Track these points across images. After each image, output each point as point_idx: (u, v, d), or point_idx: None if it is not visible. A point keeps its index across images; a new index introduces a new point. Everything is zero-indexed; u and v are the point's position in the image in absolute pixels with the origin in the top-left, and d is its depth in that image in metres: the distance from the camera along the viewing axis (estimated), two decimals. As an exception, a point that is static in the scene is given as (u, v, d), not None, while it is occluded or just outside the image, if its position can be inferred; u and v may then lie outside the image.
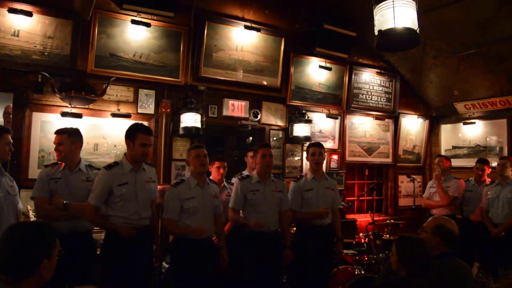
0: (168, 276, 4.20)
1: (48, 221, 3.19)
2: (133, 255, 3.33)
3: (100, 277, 3.32)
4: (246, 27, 5.62)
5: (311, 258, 4.25)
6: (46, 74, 4.44)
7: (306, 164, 6.16)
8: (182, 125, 5.14)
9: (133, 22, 4.87)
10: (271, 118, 6.12)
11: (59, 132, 3.63)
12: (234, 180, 4.44)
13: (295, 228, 4.58)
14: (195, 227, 3.61)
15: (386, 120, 7.36)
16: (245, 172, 4.80)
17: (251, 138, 5.97)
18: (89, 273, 3.49)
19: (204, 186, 3.75)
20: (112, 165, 3.47)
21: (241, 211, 4.13)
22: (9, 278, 1.78)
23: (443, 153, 7.40)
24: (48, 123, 4.56)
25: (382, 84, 7.17)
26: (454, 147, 7.48)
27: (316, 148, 4.46)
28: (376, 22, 3.16)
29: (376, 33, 3.14)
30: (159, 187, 4.73)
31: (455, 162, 6.97)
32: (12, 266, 1.79)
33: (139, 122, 3.76)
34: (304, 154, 5.81)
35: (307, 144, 5.59)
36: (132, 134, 3.45)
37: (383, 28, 3.05)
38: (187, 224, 3.64)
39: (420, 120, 7.69)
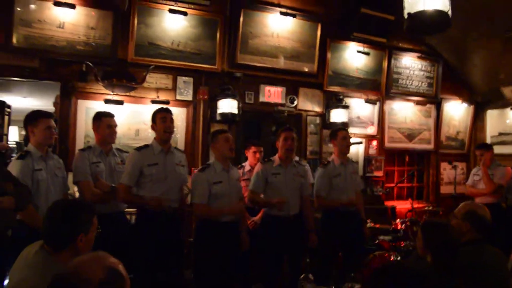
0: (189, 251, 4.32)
1: (94, 203, 3.36)
2: (162, 234, 3.47)
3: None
4: (281, 13, 5.62)
5: (341, 242, 4.27)
6: (90, 64, 4.66)
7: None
8: (219, 111, 5.25)
9: (171, 11, 5.03)
10: (307, 104, 6.12)
11: (112, 115, 3.84)
12: None
13: (321, 214, 4.58)
14: (231, 207, 3.69)
15: (428, 105, 7.16)
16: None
17: (287, 126, 6.01)
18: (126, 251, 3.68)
19: (229, 170, 3.81)
20: (142, 147, 3.66)
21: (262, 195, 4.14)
22: (51, 249, 1.98)
23: (488, 140, 7.14)
24: (92, 110, 4.72)
25: (423, 68, 6.98)
26: (500, 134, 7.18)
27: (345, 132, 4.52)
28: (405, 5, 3.12)
29: (405, 16, 3.10)
30: (196, 171, 4.91)
31: (502, 149, 6.72)
32: (53, 237, 1.99)
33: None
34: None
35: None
36: (153, 116, 3.71)
37: (413, 10, 3.01)
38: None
39: (464, 105, 7.42)
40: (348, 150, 4.50)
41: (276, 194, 4.03)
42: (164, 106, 4.56)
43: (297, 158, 4.34)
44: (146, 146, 3.68)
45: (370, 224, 5.22)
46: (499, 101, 7.13)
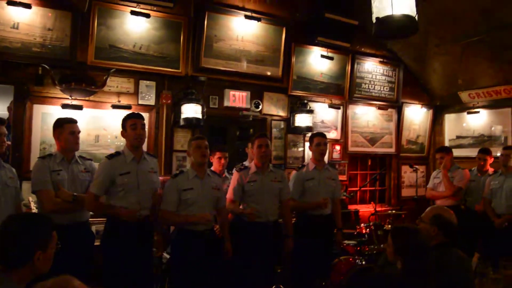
0: (169, 267, 4.23)
1: (54, 214, 3.19)
2: (132, 244, 3.37)
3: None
4: (246, 16, 5.56)
5: (310, 248, 4.27)
6: (46, 66, 4.45)
7: (308, 154, 6.14)
8: (183, 116, 5.14)
9: (133, 13, 4.86)
10: (272, 108, 6.10)
11: (75, 121, 3.65)
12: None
13: (294, 219, 4.59)
14: (196, 215, 3.61)
15: (389, 109, 7.30)
16: (246, 163, 4.80)
17: (251, 130, 5.96)
18: (91, 262, 3.52)
19: (204, 178, 3.73)
20: (114, 155, 3.53)
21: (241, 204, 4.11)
22: (4, 267, 1.83)
23: (447, 143, 7.36)
24: (49, 115, 4.56)
25: (385, 73, 7.11)
26: (458, 137, 7.42)
27: (321, 138, 4.52)
28: (374, 10, 3.12)
29: (373, 20, 3.11)
30: (160, 178, 4.78)
31: (460, 152, 6.93)
32: (6, 255, 1.85)
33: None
34: (307, 144, 5.78)
35: (309, 134, 5.58)
36: (123, 122, 3.58)
37: (381, 15, 3.02)
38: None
39: (424, 109, 7.62)
40: (321, 156, 4.52)
41: (254, 201, 4.03)
42: (127, 111, 4.45)
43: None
44: (117, 153, 3.56)
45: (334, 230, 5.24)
46: (457, 106, 7.36)
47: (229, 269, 3.97)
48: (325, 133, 6.35)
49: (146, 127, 4.96)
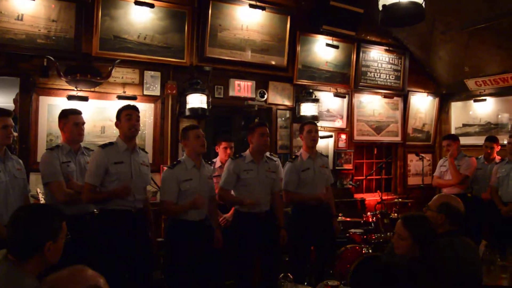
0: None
1: (65, 205, 3.25)
2: (127, 235, 3.36)
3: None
4: (251, 5, 5.51)
5: (311, 237, 4.27)
6: (51, 58, 4.43)
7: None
8: (188, 106, 5.12)
9: (136, 3, 4.83)
10: (278, 97, 6.07)
11: (80, 112, 3.68)
12: None
13: (290, 208, 4.55)
14: (192, 200, 3.57)
15: (395, 98, 7.26)
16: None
17: (256, 120, 5.95)
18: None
19: (200, 168, 3.74)
20: (107, 144, 3.51)
21: (232, 191, 4.09)
22: (15, 258, 1.85)
23: (453, 131, 7.31)
24: (55, 107, 4.56)
25: (390, 61, 7.06)
26: (464, 125, 7.37)
27: (312, 126, 4.44)
28: (380, -3, 3.10)
29: (380, 8, 3.08)
30: (165, 168, 4.80)
31: (466, 140, 6.88)
32: (17, 246, 1.87)
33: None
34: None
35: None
36: (118, 113, 3.57)
37: (387, 2, 3.00)
38: None
39: (430, 98, 7.57)
40: (313, 144, 4.41)
41: (248, 191, 3.98)
42: (131, 102, 4.46)
43: (267, 153, 4.29)
44: (110, 143, 3.54)
45: (341, 218, 5.27)
46: (463, 93, 7.30)
47: (224, 257, 3.99)
48: (331, 122, 6.43)
49: (152, 118, 5.05)
